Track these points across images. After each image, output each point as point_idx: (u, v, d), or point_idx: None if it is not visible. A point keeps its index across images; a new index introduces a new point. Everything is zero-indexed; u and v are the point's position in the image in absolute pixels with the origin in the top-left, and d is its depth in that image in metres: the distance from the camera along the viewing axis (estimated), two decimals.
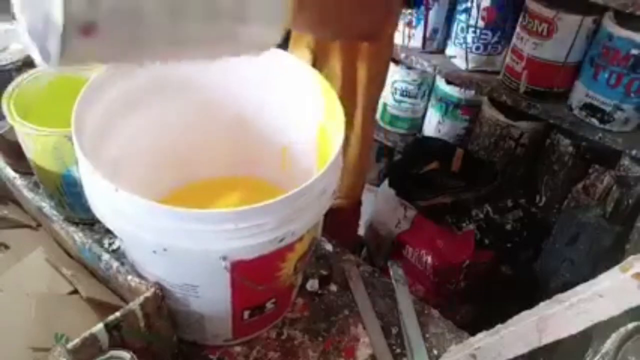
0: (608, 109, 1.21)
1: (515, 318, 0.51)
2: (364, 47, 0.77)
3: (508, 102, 1.35)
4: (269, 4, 0.41)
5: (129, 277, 0.57)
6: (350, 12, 0.60)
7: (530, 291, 1.36)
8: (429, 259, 1.30)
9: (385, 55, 0.87)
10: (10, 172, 0.75)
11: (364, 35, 0.69)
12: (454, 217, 1.32)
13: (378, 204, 1.40)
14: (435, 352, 0.66)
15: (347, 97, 0.79)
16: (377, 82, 0.88)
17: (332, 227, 0.79)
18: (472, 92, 1.49)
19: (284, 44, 0.76)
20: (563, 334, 0.46)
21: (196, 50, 0.41)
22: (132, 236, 0.51)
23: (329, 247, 0.79)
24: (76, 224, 0.71)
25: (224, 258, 0.50)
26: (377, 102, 0.93)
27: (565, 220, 1.30)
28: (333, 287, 0.73)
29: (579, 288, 0.44)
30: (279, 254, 0.54)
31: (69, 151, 0.65)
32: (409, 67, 1.56)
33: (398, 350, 0.67)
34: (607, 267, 0.42)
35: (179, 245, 0.49)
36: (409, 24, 1.46)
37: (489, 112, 1.45)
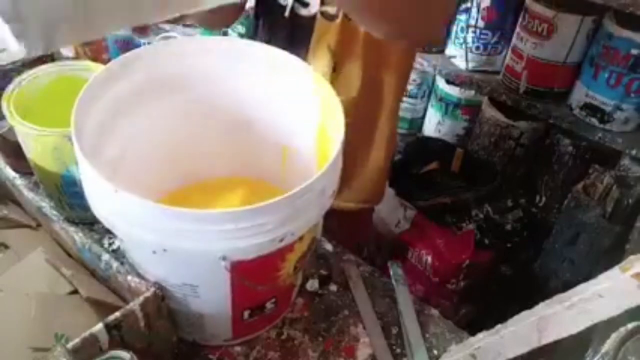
0: (608, 108, 1.21)
1: (515, 318, 0.51)
2: (390, 50, 0.77)
3: (508, 102, 1.35)
4: None
5: (129, 277, 0.57)
6: (413, 14, 0.60)
7: (530, 291, 1.37)
8: (429, 259, 1.31)
9: (411, 58, 0.87)
10: (10, 172, 0.75)
11: (424, 39, 0.69)
12: (454, 217, 1.33)
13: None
14: (435, 352, 0.66)
15: (366, 99, 0.79)
16: (401, 85, 0.88)
17: (348, 230, 0.79)
18: (472, 92, 1.50)
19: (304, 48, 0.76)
20: (563, 334, 0.46)
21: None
22: (132, 236, 0.51)
23: (329, 247, 0.78)
24: (76, 224, 0.71)
25: (224, 258, 0.50)
26: (398, 105, 0.93)
27: (565, 220, 1.30)
28: (333, 287, 0.73)
29: (579, 288, 0.44)
30: (278, 254, 0.54)
31: (69, 151, 0.64)
32: None
33: (398, 350, 0.67)
34: (607, 267, 0.42)
35: (178, 246, 0.49)
36: None
37: (489, 112, 1.45)
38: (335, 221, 0.64)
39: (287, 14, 0.77)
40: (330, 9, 0.74)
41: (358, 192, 0.59)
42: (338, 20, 0.74)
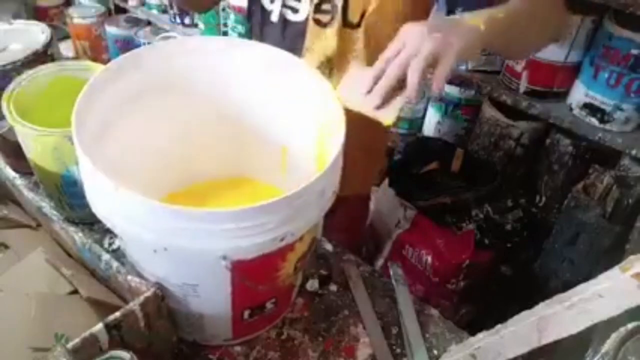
0: (608, 108, 1.20)
1: (515, 318, 0.51)
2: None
3: (508, 102, 1.35)
4: None
5: (129, 277, 0.57)
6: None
7: (530, 291, 1.37)
8: (429, 259, 1.30)
9: None
10: (10, 172, 0.75)
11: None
12: (454, 217, 1.32)
13: (378, 204, 1.40)
14: (435, 352, 0.66)
15: None
16: None
17: (343, 222, 0.79)
18: (472, 92, 1.49)
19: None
20: (563, 334, 0.46)
21: None
22: (133, 235, 0.51)
23: (329, 247, 0.79)
24: (76, 224, 0.71)
25: (225, 257, 0.50)
26: None
27: (565, 220, 1.30)
28: (333, 287, 0.73)
29: (579, 288, 0.44)
30: (279, 254, 0.54)
31: (69, 151, 0.65)
32: None
33: (398, 350, 0.67)
34: (607, 267, 0.42)
35: (179, 245, 0.49)
36: None
37: (489, 112, 1.45)
38: (331, 215, 0.64)
39: (274, 18, 0.76)
40: (323, 17, 0.74)
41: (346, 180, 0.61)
42: (334, 28, 0.73)
